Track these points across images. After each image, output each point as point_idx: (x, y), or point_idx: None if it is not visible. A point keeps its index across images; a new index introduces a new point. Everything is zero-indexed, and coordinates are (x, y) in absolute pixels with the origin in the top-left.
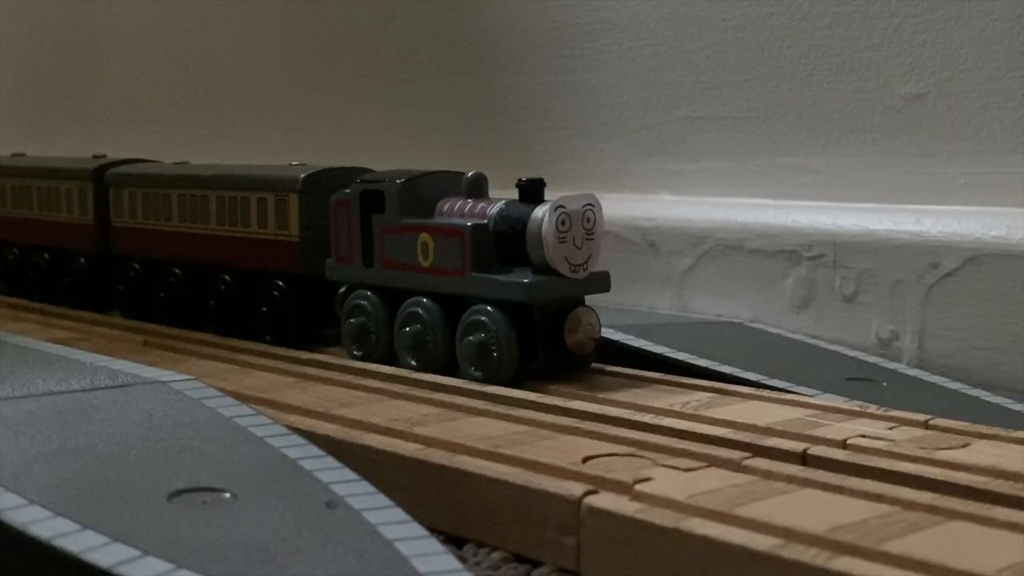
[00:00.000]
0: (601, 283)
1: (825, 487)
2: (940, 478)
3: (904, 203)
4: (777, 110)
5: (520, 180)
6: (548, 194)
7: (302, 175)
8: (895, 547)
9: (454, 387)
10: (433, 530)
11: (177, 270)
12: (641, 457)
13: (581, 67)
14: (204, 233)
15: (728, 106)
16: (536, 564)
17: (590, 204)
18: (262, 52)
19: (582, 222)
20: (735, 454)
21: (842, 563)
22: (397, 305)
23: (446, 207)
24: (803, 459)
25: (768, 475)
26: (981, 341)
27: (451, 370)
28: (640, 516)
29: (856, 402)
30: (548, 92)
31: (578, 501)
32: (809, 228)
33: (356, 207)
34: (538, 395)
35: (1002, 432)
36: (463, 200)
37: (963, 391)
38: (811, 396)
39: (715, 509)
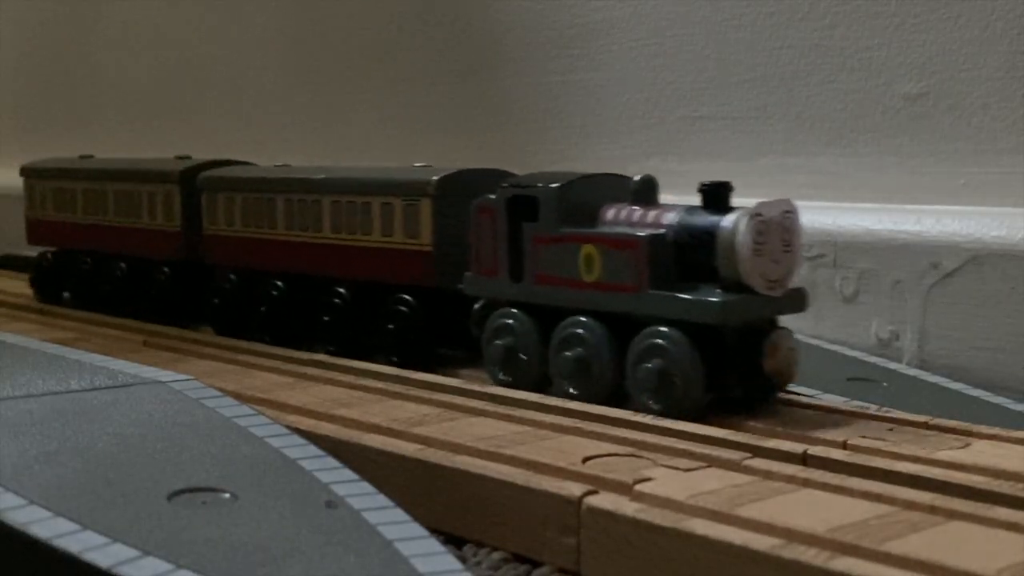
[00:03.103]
0: (797, 302)
1: (825, 487)
2: (940, 478)
3: (904, 203)
4: (777, 110)
5: (703, 184)
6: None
7: (435, 177)
8: (895, 547)
9: (454, 387)
10: (433, 530)
11: (280, 282)
12: (641, 457)
13: (581, 67)
14: (316, 242)
15: (728, 106)
16: (536, 564)
17: (789, 211)
18: (261, 51)
19: (780, 231)
20: (735, 454)
21: (842, 563)
22: (551, 325)
23: (610, 214)
24: (803, 459)
25: (768, 475)
26: (981, 341)
27: (617, 399)
28: (640, 516)
29: (856, 402)
30: (548, 92)
31: (578, 501)
32: (809, 228)
33: (503, 214)
34: (538, 395)
35: (1002, 432)
36: (631, 207)
37: (963, 391)
38: (811, 396)
39: (715, 509)
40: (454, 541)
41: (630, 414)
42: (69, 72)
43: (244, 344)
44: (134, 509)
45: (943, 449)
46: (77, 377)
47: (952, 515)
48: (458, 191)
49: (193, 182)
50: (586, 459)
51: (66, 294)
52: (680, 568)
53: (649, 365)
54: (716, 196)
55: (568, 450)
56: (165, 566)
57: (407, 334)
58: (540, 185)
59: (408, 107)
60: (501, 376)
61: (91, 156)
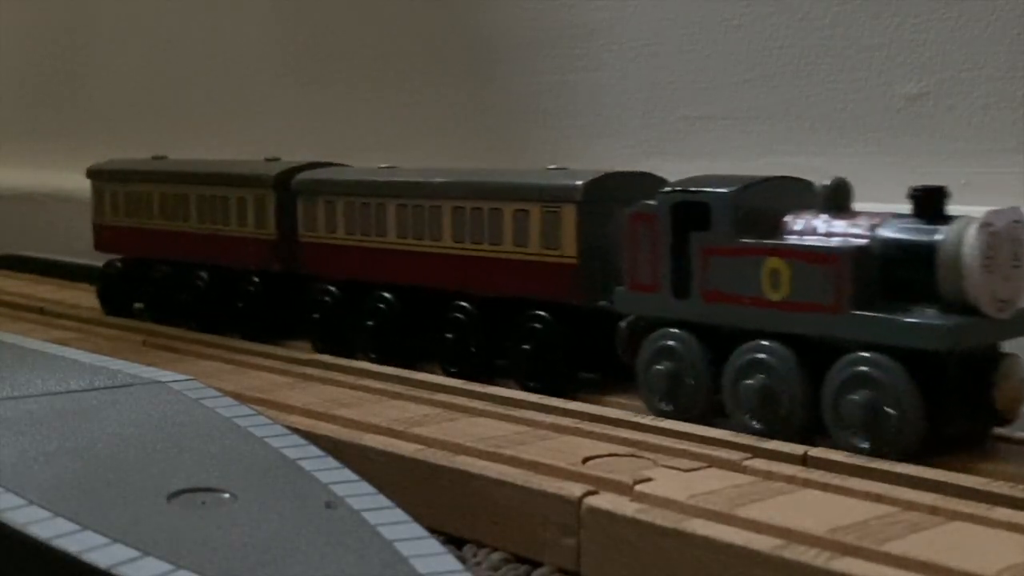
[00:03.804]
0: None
1: (826, 488)
2: (941, 479)
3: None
4: (777, 110)
5: (915, 189)
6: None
7: (581, 181)
8: (896, 548)
9: (454, 387)
10: (433, 530)
11: (389, 295)
12: (641, 457)
13: (581, 67)
14: (434, 252)
15: (728, 106)
16: (536, 564)
17: (1018, 220)
18: (259, 50)
19: (1010, 244)
20: (735, 455)
21: (843, 564)
22: (725, 349)
23: (796, 223)
24: (803, 460)
25: (768, 476)
26: None
27: (810, 434)
28: (640, 517)
29: None
30: (548, 91)
31: (578, 502)
32: None
33: (666, 222)
34: (538, 395)
35: (1002, 432)
36: (821, 215)
37: None
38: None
39: (715, 510)
40: (454, 541)
41: (630, 414)
42: (69, 72)
43: (244, 344)
44: (134, 509)
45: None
46: (77, 377)
47: (953, 516)
48: (605, 196)
49: (289, 186)
50: (586, 459)
51: (138, 305)
52: (680, 568)
53: (855, 397)
54: (930, 203)
55: (568, 450)
56: (165, 566)
57: (545, 356)
58: (712, 189)
59: (406, 107)
60: (662, 405)
61: (164, 157)
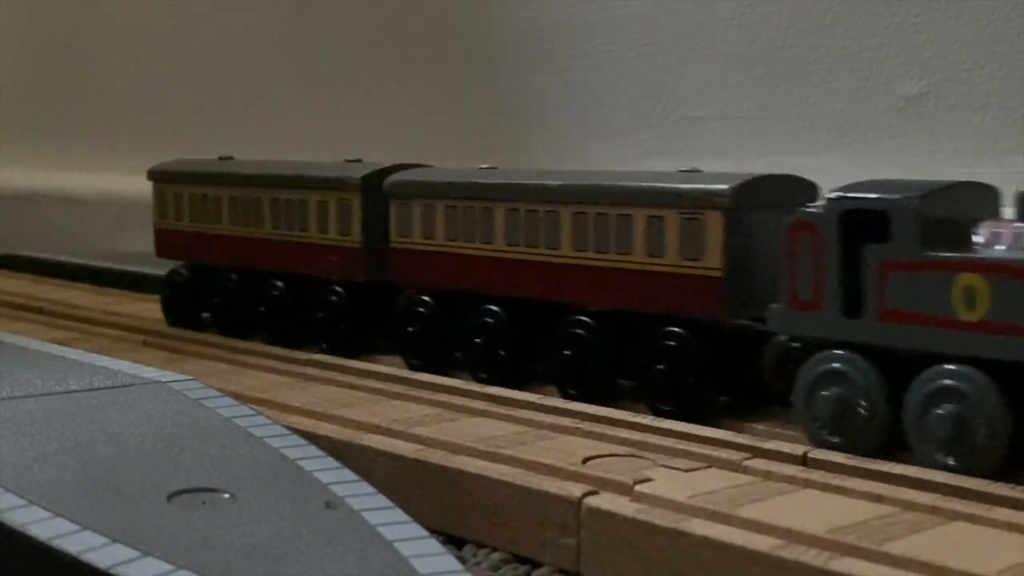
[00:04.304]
0: None
1: (826, 488)
2: (941, 479)
3: None
4: (777, 110)
5: None
6: None
7: (727, 186)
8: (896, 548)
9: (454, 387)
10: (433, 530)
11: (496, 308)
12: (641, 457)
13: (581, 67)
14: (550, 261)
15: (728, 106)
16: (536, 565)
17: None
18: (262, 51)
19: None
20: (735, 455)
21: (843, 564)
22: (905, 375)
23: (990, 234)
24: (803, 460)
25: (768, 476)
26: None
27: (1011, 471)
28: (640, 517)
29: None
30: (548, 91)
31: (578, 502)
32: None
33: (833, 232)
34: (538, 395)
35: None
36: (1018, 224)
37: None
38: None
39: (715, 510)
40: (454, 541)
41: (630, 414)
42: (70, 72)
43: (243, 344)
44: (134, 509)
45: None
46: (76, 377)
47: (953, 516)
48: (753, 202)
49: (377, 188)
50: (586, 459)
51: (205, 316)
52: (680, 568)
53: None
54: None
55: (568, 450)
56: (165, 566)
57: (681, 377)
58: (892, 196)
59: (406, 107)
60: (827, 436)
61: (230, 157)
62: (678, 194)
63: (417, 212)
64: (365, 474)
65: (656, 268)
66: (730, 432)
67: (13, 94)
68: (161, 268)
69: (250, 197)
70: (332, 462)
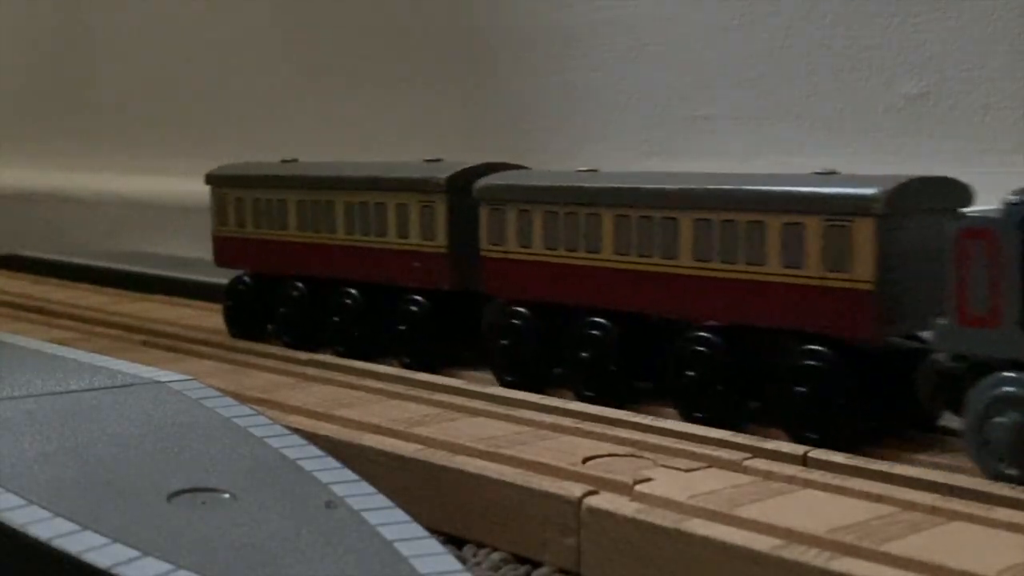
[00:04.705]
0: None
1: (826, 488)
2: (941, 480)
3: None
4: (777, 110)
5: None
6: None
7: (878, 190)
8: (896, 548)
9: (454, 387)
10: (433, 530)
11: (606, 321)
12: (641, 457)
13: (581, 67)
14: (669, 272)
15: (728, 106)
16: (536, 565)
17: None
18: (259, 51)
19: None
20: (735, 455)
21: (843, 564)
22: None
23: None
24: (803, 460)
25: (768, 476)
26: None
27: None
28: (640, 517)
29: None
30: (548, 91)
31: (578, 502)
32: None
33: (1013, 240)
34: (538, 395)
35: None
36: None
37: None
38: None
39: (715, 510)
40: (454, 541)
41: (630, 414)
42: (71, 72)
43: (243, 344)
44: (134, 509)
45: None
46: (76, 377)
47: (953, 516)
48: (907, 207)
49: (465, 191)
50: (586, 459)
51: (271, 327)
52: (680, 568)
53: None
54: None
55: (568, 450)
56: (165, 566)
57: (826, 402)
58: None
59: (406, 107)
60: (1004, 468)
61: (295, 160)
62: (822, 199)
63: (512, 218)
64: (365, 474)
65: (794, 280)
66: (730, 432)
67: (14, 94)
68: (160, 268)
69: (321, 201)
70: (332, 462)
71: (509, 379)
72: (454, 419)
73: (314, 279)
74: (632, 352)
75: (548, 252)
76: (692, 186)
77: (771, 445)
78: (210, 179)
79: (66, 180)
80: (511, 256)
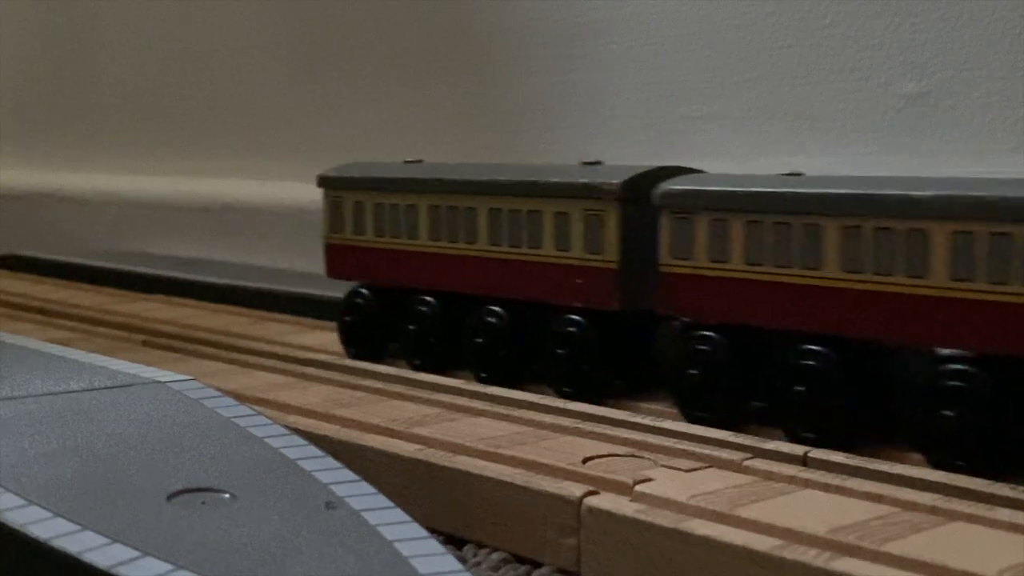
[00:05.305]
0: None
1: (826, 488)
2: (941, 479)
3: None
4: (777, 110)
5: None
6: None
7: None
8: (896, 548)
9: (454, 387)
10: (433, 530)
11: (825, 350)
12: (641, 458)
13: (581, 67)
14: (911, 293)
15: (728, 106)
16: (536, 565)
17: None
18: (258, 51)
19: None
20: (736, 455)
21: (843, 564)
22: None
23: None
24: (804, 461)
25: (769, 476)
26: None
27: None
28: (640, 517)
29: None
30: (548, 91)
31: (578, 502)
32: None
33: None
34: (538, 395)
35: None
36: None
37: None
38: None
39: (716, 510)
40: (454, 541)
41: (630, 414)
42: (70, 72)
43: (243, 343)
44: (133, 509)
45: None
46: (76, 377)
47: (953, 516)
48: None
49: (638, 199)
50: (586, 459)
51: (394, 346)
52: (681, 569)
53: None
54: None
55: (568, 450)
56: (164, 566)
57: None
58: None
59: (407, 107)
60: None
61: (419, 161)
62: None
63: (702, 228)
64: (365, 474)
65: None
66: (730, 432)
67: (14, 94)
68: (160, 268)
69: (460, 207)
70: (332, 462)
71: (700, 414)
72: (454, 419)
73: (448, 294)
74: (860, 385)
75: (751, 268)
76: (949, 192)
77: (771, 445)
78: (323, 181)
79: (66, 180)
80: (700, 272)
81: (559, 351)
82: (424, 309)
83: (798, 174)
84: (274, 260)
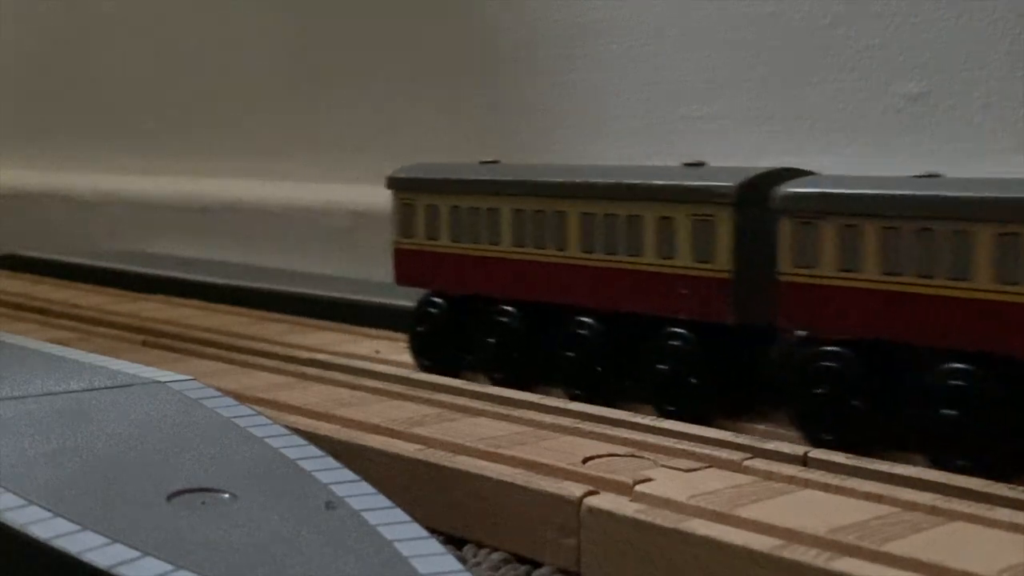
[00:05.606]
0: None
1: (826, 488)
2: (941, 479)
3: None
4: (777, 110)
5: None
6: None
7: None
8: (896, 548)
9: (454, 387)
10: (433, 530)
11: (974, 368)
12: (641, 457)
13: (581, 67)
14: None
15: (728, 106)
16: (536, 565)
17: None
18: (260, 50)
19: None
20: (736, 455)
21: (843, 564)
22: None
23: None
24: (804, 461)
25: (769, 476)
26: None
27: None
28: (640, 517)
29: None
30: (548, 92)
31: (578, 502)
32: None
33: None
34: (538, 395)
35: None
36: None
37: None
38: None
39: (716, 510)
40: (454, 541)
41: (630, 414)
42: (70, 72)
43: (243, 343)
44: (134, 509)
45: None
46: (76, 377)
47: (953, 516)
48: None
49: (753, 203)
50: (586, 459)
51: (470, 359)
52: (681, 569)
53: None
54: None
55: (568, 450)
56: (164, 567)
57: None
58: None
59: (407, 107)
60: None
61: (495, 161)
62: None
63: (830, 235)
64: (365, 474)
65: None
66: (730, 432)
67: (14, 94)
68: (160, 268)
69: (548, 211)
70: (332, 462)
71: (829, 438)
72: (454, 419)
73: (532, 304)
74: (1020, 410)
75: (887, 278)
76: None
77: (771, 445)
78: (393, 183)
79: (66, 180)
80: (828, 282)
81: (660, 367)
82: (505, 320)
83: (935, 175)
84: (275, 260)
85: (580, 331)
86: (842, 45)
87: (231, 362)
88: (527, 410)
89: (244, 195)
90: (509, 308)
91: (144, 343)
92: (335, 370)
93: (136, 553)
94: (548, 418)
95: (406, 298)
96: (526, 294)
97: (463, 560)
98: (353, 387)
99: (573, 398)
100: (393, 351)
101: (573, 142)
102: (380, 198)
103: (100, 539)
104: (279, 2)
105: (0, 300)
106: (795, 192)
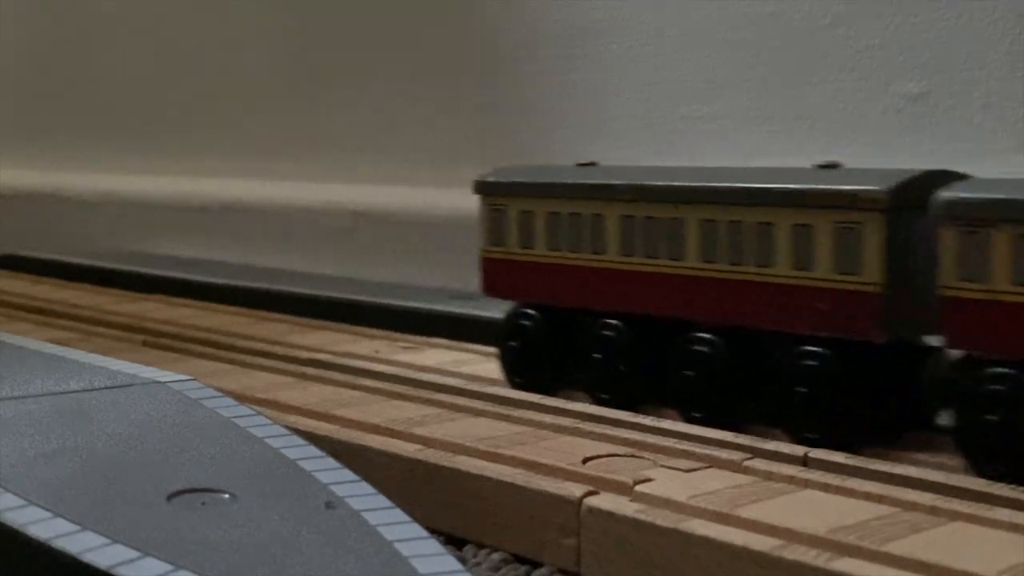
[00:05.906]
0: None
1: (826, 488)
2: (941, 479)
3: None
4: (777, 110)
5: None
6: None
7: None
8: (896, 548)
9: (454, 387)
10: (433, 530)
11: None
12: (641, 458)
13: (581, 67)
14: None
15: (728, 106)
16: (536, 565)
17: None
18: (260, 50)
19: None
20: (736, 455)
21: (843, 564)
22: None
23: None
24: (804, 461)
25: (769, 476)
26: None
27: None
28: (641, 517)
29: None
30: (548, 92)
31: (578, 502)
32: None
33: None
34: (538, 395)
35: None
36: None
37: None
38: None
39: (716, 510)
40: (454, 541)
41: (630, 415)
42: (71, 73)
43: (243, 343)
44: (133, 510)
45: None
46: (76, 377)
47: (953, 516)
48: None
49: (910, 208)
50: (586, 459)
51: (571, 376)
52: (680, 569)
53: None
54: None
55: (568, 450)
56: (164, 567)
57: None
58: None
59: (407, 107)
60: None
61: (593, 163)
62: None
63: (1003, 245)
64: (365, 474)
65: None
66: (730, 432)
67: (14, 94)
68: (160, 268)
69: (662, 218)
70: (332, 462)
71: (996, 469)
72: (454, 419)
73: (641, 317)
74: None
75: None
76: None
77: (771, 445)
78: (482, 187)
79: (66, 180)
80: (1001, 297)
81: (799, 389)
82: (611, 334)
83: None
84: (275, 260)
85: (699, 348)
86: (842, 45)
87: (231, 362)
88: (527, 410)
89: (244, 195)
90: (616, 322)
91: (144, 343)
92: (335, 370)
93: (136, 553)
94: (548, 418)
95: (406, 298)
96: (635, 307)
97: (463, 560)
98: (353, 387)
99: (690, 420)
100: (393, 351)
101: (573, 142)
102: (380, 198)
103: (100, 539)
104: (279, 2)
105: (0, 300)
106: (959, 198)
